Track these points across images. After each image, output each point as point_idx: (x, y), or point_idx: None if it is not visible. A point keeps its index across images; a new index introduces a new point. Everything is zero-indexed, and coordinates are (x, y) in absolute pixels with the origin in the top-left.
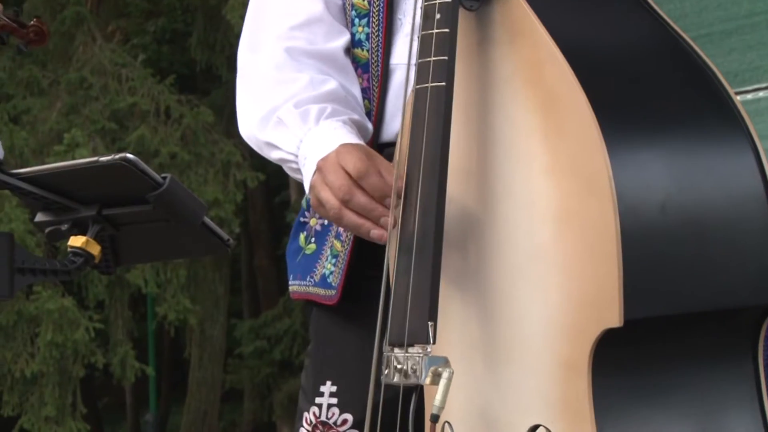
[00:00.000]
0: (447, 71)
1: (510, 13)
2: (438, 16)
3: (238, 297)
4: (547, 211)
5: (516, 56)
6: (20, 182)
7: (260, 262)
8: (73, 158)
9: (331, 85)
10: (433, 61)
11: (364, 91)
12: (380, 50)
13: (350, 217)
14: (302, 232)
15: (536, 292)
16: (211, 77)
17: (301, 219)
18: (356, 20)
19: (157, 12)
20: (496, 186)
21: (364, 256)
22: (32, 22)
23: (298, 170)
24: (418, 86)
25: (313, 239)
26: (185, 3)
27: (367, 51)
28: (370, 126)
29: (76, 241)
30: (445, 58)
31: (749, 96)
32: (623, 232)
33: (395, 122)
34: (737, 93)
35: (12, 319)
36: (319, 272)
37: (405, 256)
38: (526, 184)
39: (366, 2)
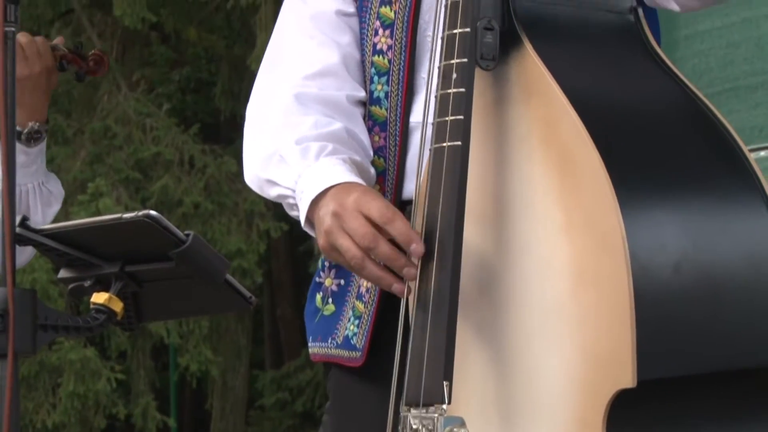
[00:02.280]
0: (463, 131)
1: (525, 72)
2: (455, 75)
3: (261, 347)
4: (562, 268)
5: (531, 114)
6: (44, 238)
7: (283, 312)
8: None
9: (335, 126)
10: (450, 120)
11: (379, 149)
12: (400, 109)
13: (372, 268)
14: (318, 292)
15: (551, 348)
16: (235, 126)
17: (317, 279)
18: (375, 78)
19: (182, 61)
20: (512, 242)
21: (390, 317)
22: (92, 52)
23: (296, 206)
24: (435, 145)
25: (330, 300)
26: (210, 53)
27: (386, 109)
28: (372, 170)
29: (99, 297)
30: (461, 117)
31: None
32: (636, 291)
33: (413, 181)
34: (763, 148)
35: (34, 370)
36: (341, 333)
37: (421, 313)
38: (541, 241)
39: (386, 60)
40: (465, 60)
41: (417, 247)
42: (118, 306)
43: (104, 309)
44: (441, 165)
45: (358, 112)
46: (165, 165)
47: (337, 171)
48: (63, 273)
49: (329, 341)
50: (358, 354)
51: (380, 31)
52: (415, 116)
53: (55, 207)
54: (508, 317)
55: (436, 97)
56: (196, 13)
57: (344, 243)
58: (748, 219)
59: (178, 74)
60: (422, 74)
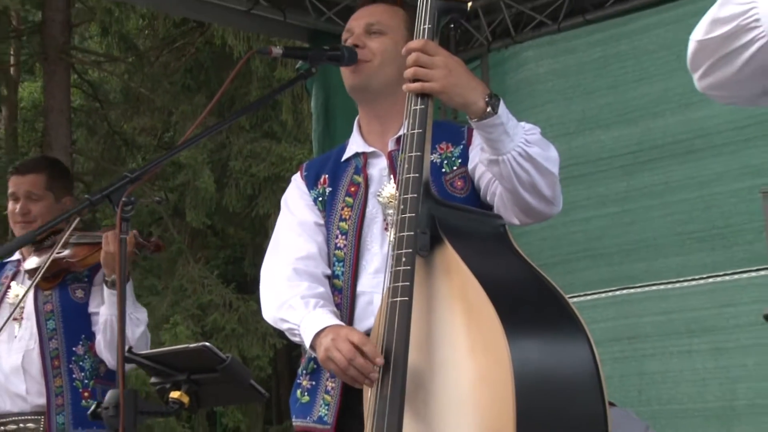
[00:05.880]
0: (409, 291)
1: (446, 258)
2: (404, 259)
3: (270, 411)
4: (469, 375)
5: (450, 282)
6: (142, 359)
7: (284, 391)
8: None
9: (321, 289)
10: (401, 285)
11: (338, 305)
12: (350, 282)
13: (352, 371)
14: (299, 389)
15: (463, 426)
16: (256, 284)
17: (298, 380)
18: (336, 263)
19: (225, 246)
20: (437, 359)
21: (349, 405)
22: (152, 240)
23: (298, 335)
24: (392, 299)
25: (306, 393)
26: (242, 242)
27: (342, 281)
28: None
29: (175, 394)
30: (408, 283)
31: (575, 299)
32: (517, 389)
33: (360, 326)
34: (572, 296)
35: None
36: (316, 414)
37: (382, 404)
38: (456, 359)
39: (343, 253)
40: (410, 250)
41: (379, 360)
42: (185, 399)
43: (177, 401)
44: (395, 312)
45: (327, 282)
46: (215, 306)
47: (330, 317)
48: (153, 380)
49: (307, 419)
50: (328, 426)
51: (339, 236)
52: (360, 287)
53: (142, 327)
54: (435, 407)
55: (391, 272)
56: (234, 219)
57: (336, 355)
58: (573, 344)
59: (223, 254)
60: (363, 262)
